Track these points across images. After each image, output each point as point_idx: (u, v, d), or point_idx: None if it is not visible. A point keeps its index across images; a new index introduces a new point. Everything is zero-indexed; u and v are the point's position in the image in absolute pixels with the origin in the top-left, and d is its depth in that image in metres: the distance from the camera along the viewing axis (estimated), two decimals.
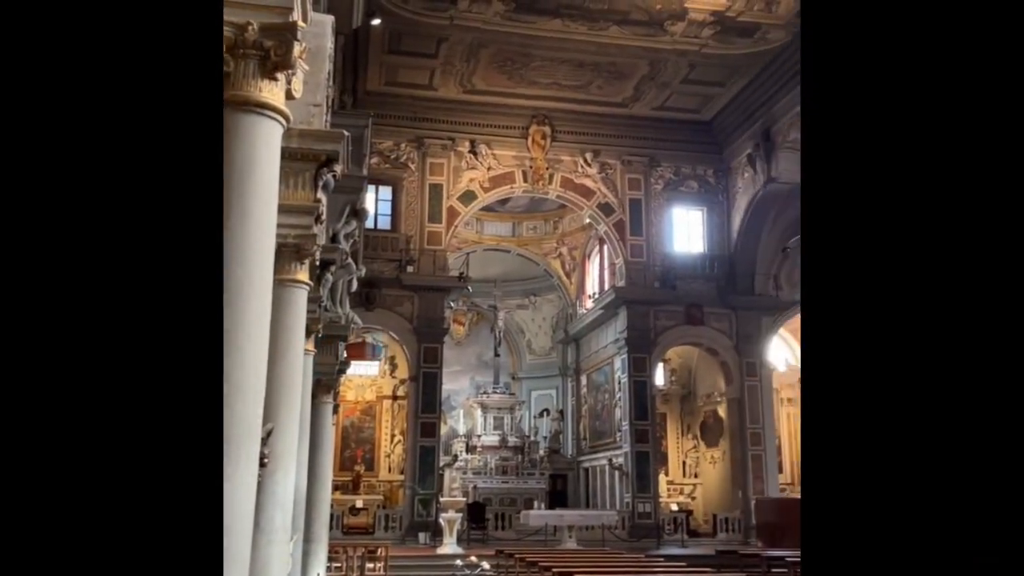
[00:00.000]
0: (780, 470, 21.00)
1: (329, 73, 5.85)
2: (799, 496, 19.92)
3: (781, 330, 21.32)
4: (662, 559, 12.79)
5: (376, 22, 16.17)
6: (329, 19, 5.20)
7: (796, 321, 21.31)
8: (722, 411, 21.55)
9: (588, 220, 21.87)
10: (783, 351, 22.33)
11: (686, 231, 21.36)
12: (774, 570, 11.64)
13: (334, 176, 4.77)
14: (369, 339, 20.67)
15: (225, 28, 3.08)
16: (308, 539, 8.45)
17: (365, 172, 7.16)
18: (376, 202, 19.67)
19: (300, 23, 3.29)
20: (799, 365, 22.43)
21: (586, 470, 23.60)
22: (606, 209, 20.86)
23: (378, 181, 19.46)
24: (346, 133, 4.82)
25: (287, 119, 3.48)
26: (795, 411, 22.46)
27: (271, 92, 3.33)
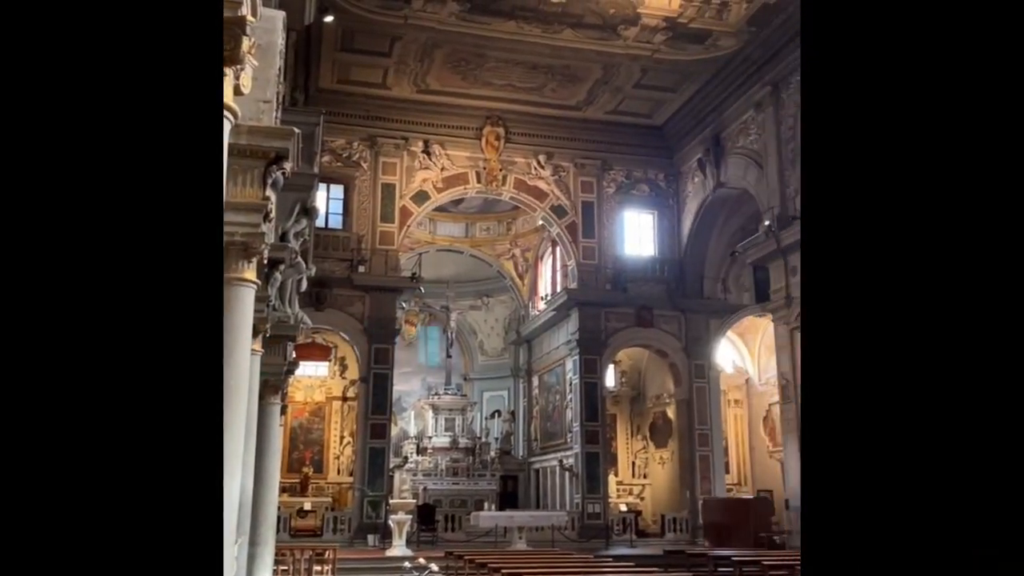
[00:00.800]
0: (727, 471, 21.32)
1: (280, 69, 5.78)
2: (745, 496, 20.28)
3: (729, 332, 21.66)
4: (610, 559, 12.89)
5: (329, 19, 16.02)
6: (280, 15, 5.14)
7: (743, 324, 21.69)
8: (671, 412, 21.82)
9: (541, 222, 21.97)
10: (730, 353, 22.69)
11: (637, 234, 21.58)
12: (720, 569, 11.81)
13: (283, 174, 4.71)
14: (320, 339, 20.46)
15: None
16: (254, 542, 8.32)
17: (316, 170, 7.09)
18: (327, 201, 19.47)
19: (249, 18, 3.25)
20: (747, 367, 22.84)
21: (537, 471, 23.67)
22: (559, 211, 20.97)
23: (330, 179, 19.28)
24: (296, 130, 4.76)
25: (235, 115, 3.44)
26: (742, 412, 22.84)
27: None
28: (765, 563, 9.96)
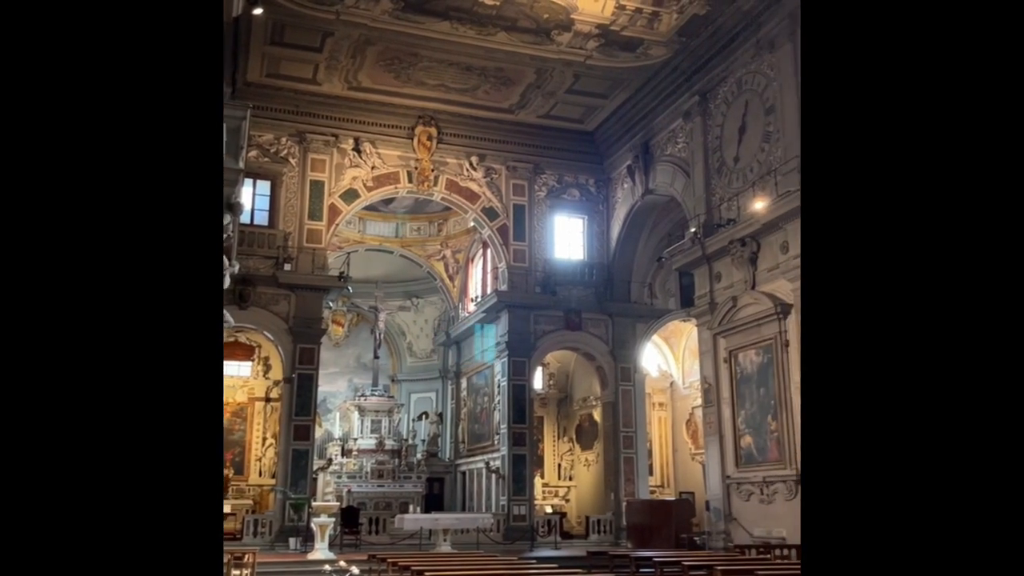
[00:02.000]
0: (651, 472, 21.68)
1: None
2: (668, 498, 20.65)
3: (654, 337, 22.05)
4: (534, 561, 12.93)
5: (258, 11, 15.64)
6: None
7: (669, 328, 22.10)
8: (597, 415, 22.06)
9: (472, 224, 21.94)
10: (656, 357, 23.09)
11: (567, 238, 21.77)
12: (642, 570, 11.98)
13: None
14: (243, 338, 20.00)
15: None
16: None
17: (241, 165, 6.93)
18: (253, 197, 19.03)
19: None
20: (671, 371, 23.28)
21: (463, 473, 23.62)
22: (490, 213, 20.99)
23: (256, 175, 18.86)
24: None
25: None
26: (666, 415, 23.27)
27: None
28: (685, 563, 10.13)
